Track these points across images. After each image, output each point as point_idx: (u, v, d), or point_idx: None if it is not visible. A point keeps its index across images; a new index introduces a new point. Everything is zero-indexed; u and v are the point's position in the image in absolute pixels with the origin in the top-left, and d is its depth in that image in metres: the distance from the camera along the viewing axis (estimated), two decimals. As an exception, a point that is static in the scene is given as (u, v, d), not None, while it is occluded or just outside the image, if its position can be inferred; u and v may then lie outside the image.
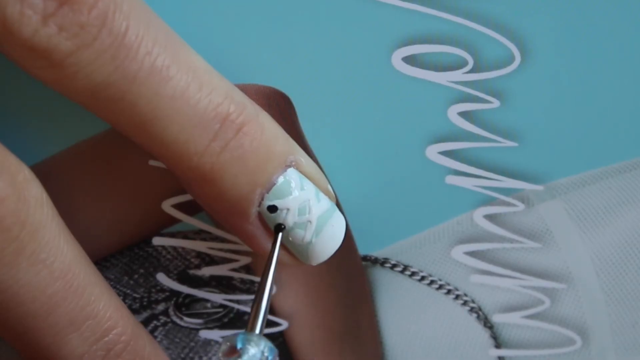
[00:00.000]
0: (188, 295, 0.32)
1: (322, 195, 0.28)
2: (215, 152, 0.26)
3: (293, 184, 0.27)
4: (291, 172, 0.27)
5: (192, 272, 0.32)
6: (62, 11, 0.24)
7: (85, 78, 0.25)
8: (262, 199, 0.27)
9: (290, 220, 0.27)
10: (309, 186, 0.27)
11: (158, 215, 0.30)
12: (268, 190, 0.27)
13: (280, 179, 0.27)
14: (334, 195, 0.28)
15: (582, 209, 0.32)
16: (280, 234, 0.27)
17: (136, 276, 0.32)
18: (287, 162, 0.27)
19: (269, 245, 0.28)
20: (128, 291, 0.32)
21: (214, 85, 0.26)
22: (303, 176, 0.27)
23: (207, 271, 0.32)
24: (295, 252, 0.28)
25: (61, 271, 0.26)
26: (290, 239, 0.28)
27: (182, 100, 0.25)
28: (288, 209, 0.27)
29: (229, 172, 0.26)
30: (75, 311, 0.26)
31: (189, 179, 0.27)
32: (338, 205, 0.30)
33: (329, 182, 0.28)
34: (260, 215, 0.27)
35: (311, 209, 0.27)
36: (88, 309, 0.26)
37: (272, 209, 0.27)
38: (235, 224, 0.27)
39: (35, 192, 0.26)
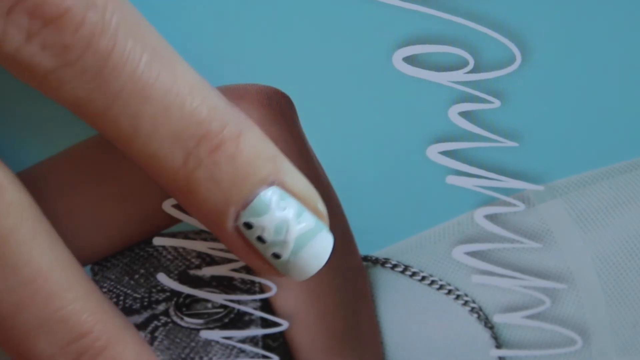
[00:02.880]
0: (189, 296, 0.32)
1: (307, 215, 0.28)
2: (190, 169, 0.26)
3: (271, 203, 0.27)
4: (271, 191, 0.27)
5: (192, 272, 0.32)
6: (46, 30, 0.24)
7: (69, 92, 0.25)
8: (238, 215, 0.27)
9: (266, 237, 0.27)
10: (292, 206, 0.27)
11: (158, 215, 0.30)
12: (244, 208, 0.27)
13: (257, 198, 0.27)
14: (324, 214, 0.28)
15: (583, 209, 0.32)
16: None
17: (137, 276, 0.32)
18: (268, 182, 0.27)
19: (248, 255, 0.28)
20: (129, 291, 0.32)
21: (196, 104, 0.26)
22: (287, 195, 0.27)
23: (207, 271, 0.32)
24: (275, 267, 0.28)
25: (30, 276, 0.26)
26: (268, 255, 0.28)
27: (162, 119, 0.26)
28: (263, 227, 0.27)
29: (202, 189, 0.27)
30: (44, 315, 0.27)
31: (170, 190, 0.27)
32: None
33: (320, 201, 0.28)
34: (239, 228, 0.27)
35: (289, 230, 0.27)
36: (59, 313, 0.27)
37: (248, 225, 0.27)
38: (215, 233, 0.28)
39: (8, 198, 0.26)
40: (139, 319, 0.32)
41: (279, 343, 0.32)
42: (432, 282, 0.32)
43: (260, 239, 0.28)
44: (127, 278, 0.32)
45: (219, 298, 0.32)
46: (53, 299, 0.27)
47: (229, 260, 0.32)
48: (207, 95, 0.26)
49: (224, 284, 0.32)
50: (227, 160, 0.26)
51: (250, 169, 0.27)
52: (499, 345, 0.33)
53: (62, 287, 0.27)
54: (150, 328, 0.32)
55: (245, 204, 0.27)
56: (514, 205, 0.32)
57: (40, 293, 0.26)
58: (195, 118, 0.26)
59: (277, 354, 0.32)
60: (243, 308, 0.32)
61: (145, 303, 0.32)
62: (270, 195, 0.27)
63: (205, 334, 0.32)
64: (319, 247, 0.28)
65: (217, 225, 0.28)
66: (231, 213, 0.27)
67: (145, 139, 0.26)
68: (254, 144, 0.27)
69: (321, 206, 0.28)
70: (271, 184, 0.27)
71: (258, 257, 0.28)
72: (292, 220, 0.27)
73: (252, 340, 0.32)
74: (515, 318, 0.32)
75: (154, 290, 0.32)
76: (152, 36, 0.26)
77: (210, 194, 0.27)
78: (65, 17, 0.24)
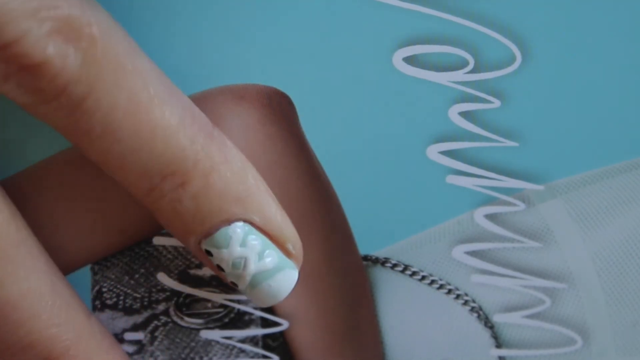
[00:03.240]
0: (189, 295, 0.32)
1: (272, 252, 0.28)
2: (154, 199, 0.27)
3: (231, 239, 0.28)
4: (234, 227, 0.28)
5: (192, 271, 0.32)
6: (21, 74, 0.24)
7: (46, 120, 0.26)
8: (200, 242, 0.28)
9: (224, 268, 0.28)
10: (256, 243, 0.28)
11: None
12: (205, 238, 0.28)
13: (218, 232, 0.28)
14: (294, 252, 0.29)
15: (583, 208, 0.32)
16: None
17: (137, 276, 0.32)
18: (233, 220, 0.27)
19: (215, 272, 0.29)
20: (129, 291, 0.32)
21: (169, 145, 0.26)
22: (255, 232, 0.28)
23: (207, 271, 0.32)
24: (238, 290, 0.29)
25: None
26: (228, 280, 0.29)
27: (130, 158, 0.26)
28: (222, 259, 0.28)
29: (165, 217, 0.27)
30: (12, 340, 0.27)
31: None
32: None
33: (292, 240, 0.29)
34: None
35: (246, 266, 0.28)
36: (27, 339, 0.27)
37: (209, 252, 0.28)
38: None
39: None
40: (139, 318, 0.32)
41: (279, 343, 0.32)
42: (432, 281, 0.32)
43: (219, 267, 0.28)
44: (127, 277, 0.32)
45: (219, 298, 0.32)
46: (21, 327, 0.27)
47: (229, 260, 0.32)
48: (183, 133, 0.26)
49: (224, 284, 0.32)
50: (191, 198, 0.27)
51: (215, 207, 0.27)
52: (499, 345, 0.33)
53: (33, 314, 0.27)
54: (150, 328, 0.32)
55: (207, 236, 0.28)
56: (514, 204, 0.32)
57: (8, 320, 0.27)
58: (164, 159, 0.26)
59: (277, 353, 0.32)
60: (243, 308, 0.32)
61: (146, 303, 0.32)
62: (232, 231, 0.28)
63: (205, 334, 0.32)
64: (278, 284, 0.28)
65: (183, 243, 0.29)
66: (192, 241, 0.28)
67: (113, 169, 0.27)
68: (225, 182, 0.27)
69: (291, 245, 0.29)
70: (237, 220, 0.27)
71: (224, 275, 0.29)
72: (251, 257, 0.28)
73: (252, 340, 0.32)
74: (515, 317, 0.32)
75: (154, 289, 0.32)
76: (137, 76, 0.26)
77: (172, 222, 0.28)
78: (42, 67, 0.24)
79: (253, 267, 0.28)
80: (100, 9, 0.25)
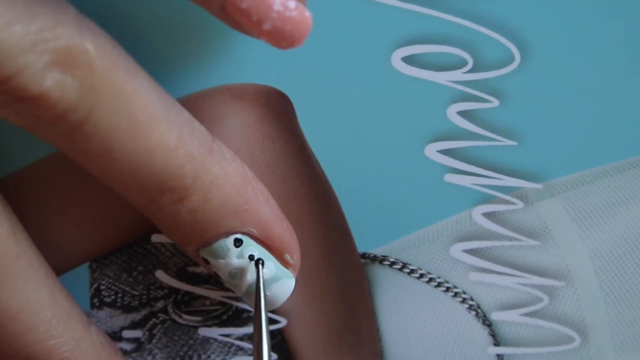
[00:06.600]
0: (187, 293, 0.32)
1: (270, 263, 0.28)
2: (152, 211, 0.27)
3: (229, 251, 0.28)
4: (232, 240, 0.28)
5: (191, 269, 0.32)
6: (19, 103, 0.24)
7: (45, 140, 0.26)
8: (198, 250, 0.28)
9: (221, 276, 0.28)
10: (255, 254, 0.28)
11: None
12: (203, 247, 0.28)
13: (216, 243, 0.28)
14: (292, 262, 0.29)
15: (581, 207, 0.32)
16: (261, 268, 0.28)
17: (135, 273, 0.32)
18: (231, 233, 0.28)
19: (212, 273, 0.29)
20: (127, 288, 0.32)
21: (168, 164, 0.26)
22: (252, 243, 0.28)
23: (205, 268, 0.32)
24: None
25: None
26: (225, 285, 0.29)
27: (129, 176, 0.26)
28: (219, 268, 0.28)
29: (164, 227, 0.28)
30: (9, 352, 0.27)
31: None
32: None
33: (291, 251, 0.29)
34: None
35: (242, 276, 0.28)
36: (25, 351, 0.27)
37: (206, 260, 0.28)
38: None
39: None
40: (137, 316, 0.32)
41: (277, 340, 0.32)
42: (430, 279, 0.32)
43: (216, 274, 0.29)
44: (125, 275, 0.32)
45: (217, 295, 0.32)
46: (18, 338, 0.27)
47: (228, 258, 0.32)
48: (182, 151, 0.26)
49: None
50: (189, 212, 0.27)
51: (213, 221, 0.27)
52: (497, 343, 0.33)
53: (32, 326, 0.27)
54: (148, 325, 0.32)
55: (205, 245, 0.28)
56: (513, 203, 0.32)
57: (6, 332, 0.27)
58: (162, 176, 0.26)
59: (275, 351, 0.32)
60: (241, 305, 0.32)
61: (144, 300, 0.32)
62: (230, 243, 0.28)
63: (204, 332, 0.32)
64: (275, 293, 0.29)
65: (182, 249, 0.29)
66: (190, 249, 0.28)
67: (112, 184, 0.27)
68: (224, 196, 0.27)
69: (289, 256, 0.29)
70: (235, 233, 0.28)
71: (222, 280, 0.29)
72: (248, 269, 0.28)
73: (251, 338, 0.32)
74: (513, 316, 0.33)
75: (152, 287, 0.32)
76: (136, 97, 0.26)
77: (171, 232, 0.28)
78: (40, 98, 0.24)
79: (249, 277, 0.28)
80: (99, 30, 0.25)
